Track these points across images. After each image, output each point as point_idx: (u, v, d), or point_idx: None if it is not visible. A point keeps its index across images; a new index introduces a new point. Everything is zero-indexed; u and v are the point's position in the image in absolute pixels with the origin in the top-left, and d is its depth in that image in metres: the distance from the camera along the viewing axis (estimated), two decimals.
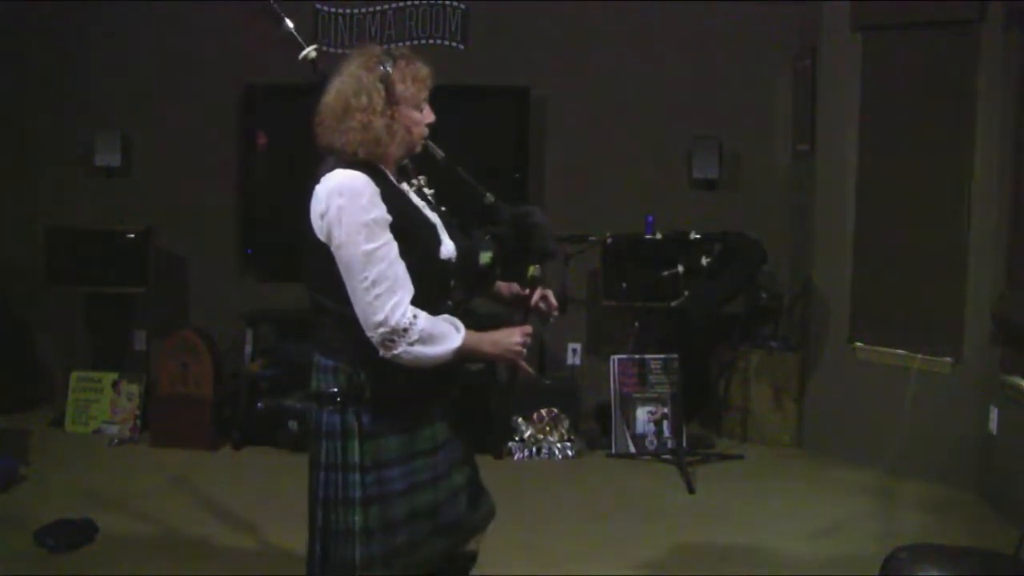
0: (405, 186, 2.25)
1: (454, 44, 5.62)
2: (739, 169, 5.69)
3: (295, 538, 3.89)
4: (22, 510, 4.08)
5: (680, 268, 4.84)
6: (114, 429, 5.27)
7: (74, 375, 5.42)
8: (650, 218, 5.28)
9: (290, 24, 2.67)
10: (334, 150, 2.12)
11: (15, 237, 5.77)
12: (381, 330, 2.03)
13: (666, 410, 5.12)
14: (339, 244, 2.04)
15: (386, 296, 2.03)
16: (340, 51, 5.64)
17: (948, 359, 4.57)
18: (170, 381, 5.13)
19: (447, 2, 5.64)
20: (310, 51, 2.52)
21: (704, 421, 5.55)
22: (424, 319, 2.06)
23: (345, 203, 2.04)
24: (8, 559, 3.60)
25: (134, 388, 5.35)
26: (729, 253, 4.95)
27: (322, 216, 2.06)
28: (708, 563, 3.72)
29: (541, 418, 5.09)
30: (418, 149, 2.23)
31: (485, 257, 2.25)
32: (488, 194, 2.31)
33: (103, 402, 5.36)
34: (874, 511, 4.28)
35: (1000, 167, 4.38)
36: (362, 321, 2.05)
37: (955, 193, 4.55)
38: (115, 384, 5.36)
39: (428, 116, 2.21)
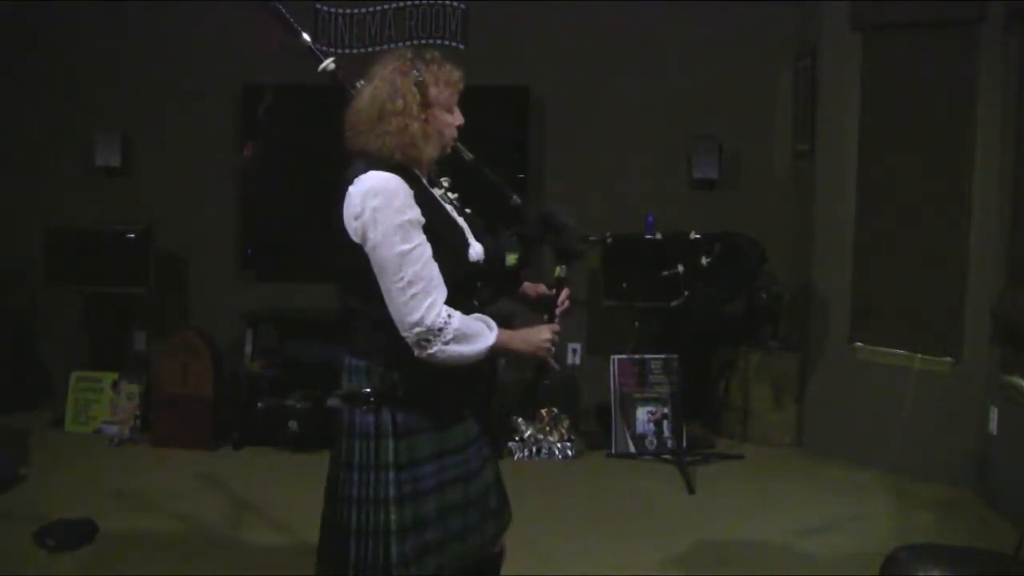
0: (436, 190, 2.27)
1: (454, 44, 5.62)
2: (739, 169, 5.69)
3: (295, 537, 3.90)
4: (22, 510, 4.08)
5: (680, 268, 4.84)
6: (114, 429, 5.27)
7: (74, 375, 5.43)
8: (650, 218, 5.28)
9: (307, 38, 2.66)
10: (369, 154, 2.13)
11: (15, 237, 5.77)
12: (417, 330, 2.05)
13: (666, 410, 5.12)
14: (374, 245, 2.05)
15: (422, 296, 2.05)
16: (337, 51, 5.66)
17: (948, 359, 4.57)
18: (170, 381, 5.13)
19: (447, 2, 5.65)
20: (328, 63, 2.51)
21: (704, 421, 5.55)
22: (458, 319, 2.08)
23: (380, 204, 2.05)
24: (8, 559, 3.60)
25: (134, 388, 5.35)
26: (729, 253, 4.95)
27: (356, 217, 2.07)
28: (708, 563, 3.72)
29: (541, 418, 5.09)
30: (448, 151, 2.26)
31: (511, 258, 2.28)
32: (514, 196, 2.34)
33: (103, 402, 5.36)
34: (874, 511, 4.28)
35: (1000, 167, 4.38)
36: (397, 321, 2.07)
37: (955, 193, 4.55)
38: (115, 384, 5.36)
39: (458, 118, 2.24)
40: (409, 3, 5.65)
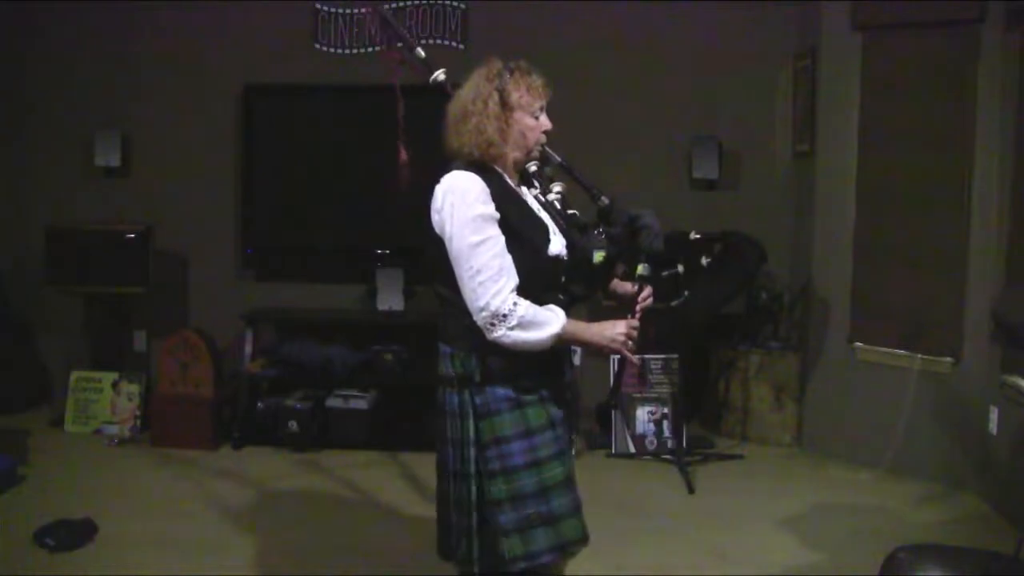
0: (524, 189, 2.41)
1: (454, 44, 5.62)
2: (739, 169, 5.69)
3: (294, 537, 3.90)
4: (22, 510, 4.08)
5: (680, 268, 4.83)
6: (114, 429, 5.27)
7: (74, 375, 5.43)
8: None
9: (422, 53, 2.83)
10: (454, 152, 2.31)
11: (15, 237, 5.77)
12: (483, 314, 2.21)
13: (666, 410, 5.12)
14: (450, 237, 2.24)
15: (489, 283, 2.20)
16: (337, 51, 5.66)
17: (948, 359, 4.57)
18: (170, 381, 5.14)
19: (447, 2, 5.65)
20: (439, 74, 2.65)
21: (704, 421, 5.55)
22: (525, 306, 2.22)
23: (456, 200, 2.24)
24: (8, 559, 3.61)
25: (134, 388, 5.35)
26: (729, 253, 4.95)
27: (438, 212, 2.27)
28: (708, 563, 3.72)
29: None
30: (535, 154, 2.40)
31: (598, 256, 2.39)
32: (603, 197, 2.47)
33: (103, 402, 5.36)
34: (874, 511, 4.28)
35: (1000, 167, 4.38)
36: (469, 306, 2.23)
37: (955, 193, 4.55)
38: (115, 384, 5.36)
39: (544, 124, 2.39)
40: (409, 3, 5.65)
